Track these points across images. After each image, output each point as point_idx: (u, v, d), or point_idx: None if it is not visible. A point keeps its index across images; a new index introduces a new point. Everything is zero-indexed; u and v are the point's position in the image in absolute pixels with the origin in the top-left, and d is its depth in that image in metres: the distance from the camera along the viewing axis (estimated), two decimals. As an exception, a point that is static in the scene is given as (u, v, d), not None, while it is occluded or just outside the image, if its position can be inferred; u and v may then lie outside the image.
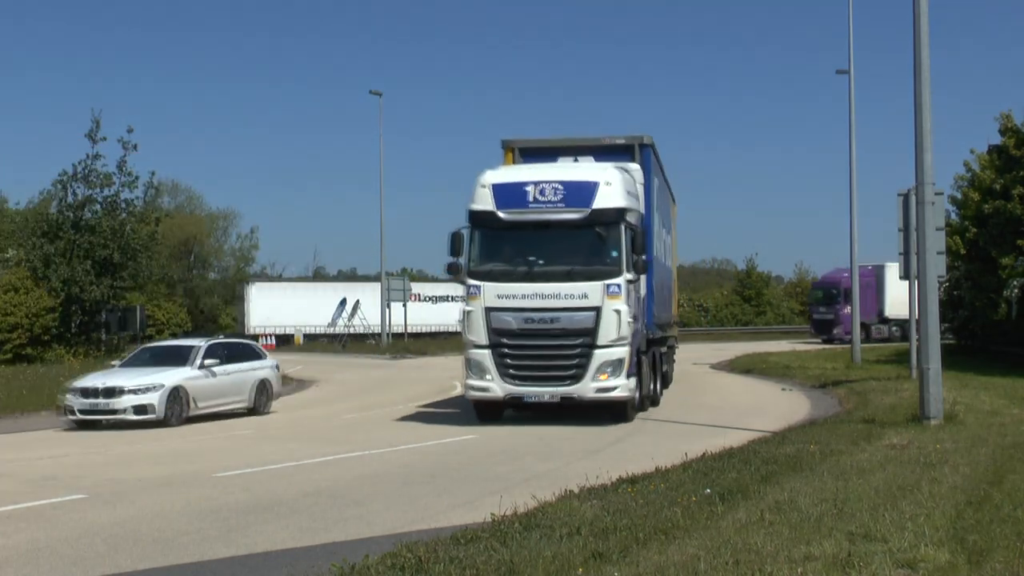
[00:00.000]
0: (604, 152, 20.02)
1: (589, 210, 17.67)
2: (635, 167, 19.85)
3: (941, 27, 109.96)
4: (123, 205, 36.44)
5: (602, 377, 17.65)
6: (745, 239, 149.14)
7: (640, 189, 19.73)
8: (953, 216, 35.38)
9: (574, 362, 17.73)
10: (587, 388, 17.69)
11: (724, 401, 23.58)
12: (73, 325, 36.30)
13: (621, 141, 20.33)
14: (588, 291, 17.58)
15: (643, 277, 19.04)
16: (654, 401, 21.26)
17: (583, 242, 17.88)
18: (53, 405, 21.95)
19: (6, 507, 10.69)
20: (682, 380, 28.76)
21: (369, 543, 8.52)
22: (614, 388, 17.71)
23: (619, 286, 17.60)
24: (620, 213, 17.79)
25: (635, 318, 18.20)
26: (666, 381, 25.32)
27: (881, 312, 55.06)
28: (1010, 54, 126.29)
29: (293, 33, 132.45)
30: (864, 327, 54.90)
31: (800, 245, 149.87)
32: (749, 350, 48.47)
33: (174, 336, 59.01)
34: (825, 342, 54.61)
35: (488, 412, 18.94)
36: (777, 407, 21.91)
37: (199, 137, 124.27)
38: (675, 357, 29.68)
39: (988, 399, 20.15)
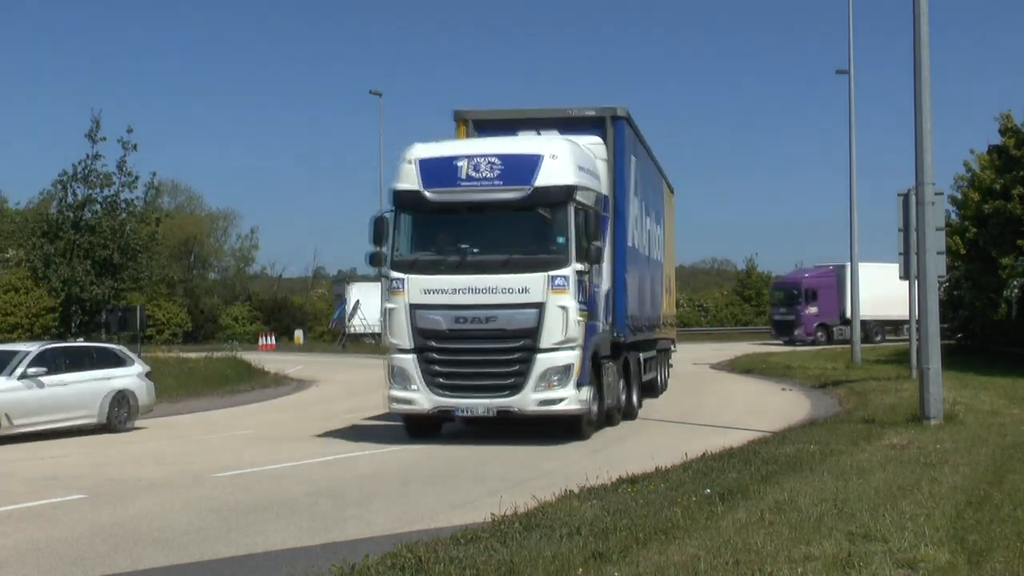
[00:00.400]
0: (571, 125, 17.41)
1: (530, 188, 15.11)
2: (595, 140, 17.31)
3: (941, 27, 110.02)
4: (123, 205, 36.34)
5: (546, 387, 15.09)
6: (745, 239, 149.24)
7: (602, 166, 17.17)
8: (953, 216, 35.40)
9: (513, 369, 15.16)
10: (528, 400, 15.09)
11: (724, 401, 23.59)
12: (73, 325, 36.27)
13: (591, 113, 17.77)
14: (529, 284, 15.02)
15: (606, 269, 16.86)
16: (629, 414, 18.76)
17: (524, 226, 15.45)
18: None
19: (6, 507, 10.68)
20: (682, 380, 28.73)
21: (369, 543, 8.52)
22: (560, 400, 15.12)
23: (566, 278, 15.02)
24: (568, 192, 15.16)
25: (590, 316, 15.79)
26: (655, 390, 23.35)
27: (843, 313, 53.60)
28: (1010, 54, 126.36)
29: (293, 33, 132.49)
30: (825, 328, 54.16)
31: (800, 245, 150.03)
32: (749, 350, 48.49)
33: (174, 337, 59.12)
34: (785, 343, 53.64)
35: (419, 427, 16.40)
36: (777, 407, 21.92)
37: (199, 137, 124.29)
38: (671, 362, 27.46)
39: (988, 399, 20.16)
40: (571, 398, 15.18)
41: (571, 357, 15.18)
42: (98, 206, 36.12)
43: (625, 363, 18.48)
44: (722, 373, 34.89)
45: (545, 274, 15.04)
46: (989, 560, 7.21)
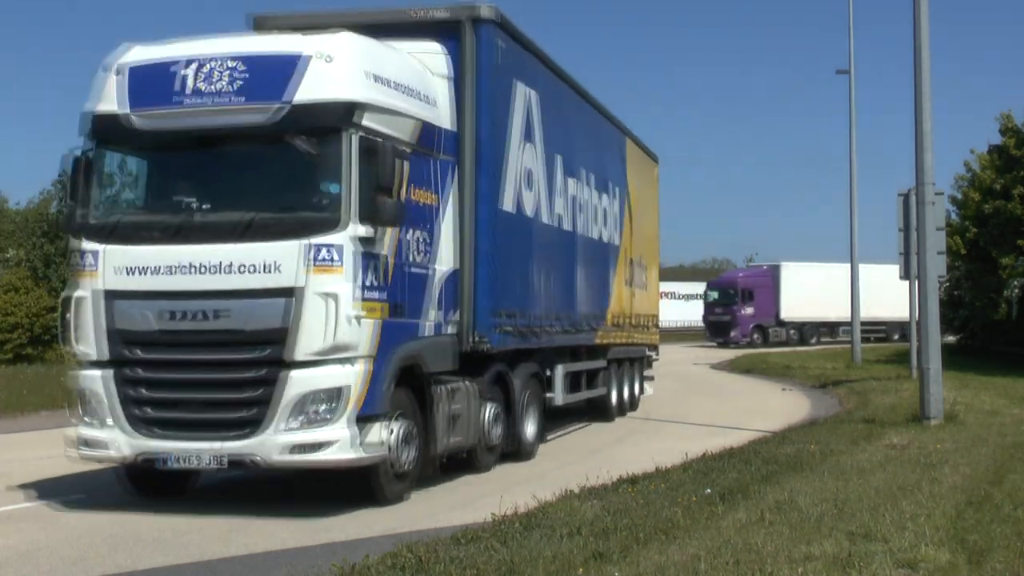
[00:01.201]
0: (412, 33, 12.14)
1: (284, 105, 9.90)
2: (431, 48, 12.05)
3: (941, 27, 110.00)
4: (123, 205, 36.45)
5: (303, 423, 9.75)
6: (745, 239, 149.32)
7: (441, 87, 11.89)
8: (953, 216, 35.47)
9: (252, 394, 9.85)
10: (274, 444, 9.73)
11: (724, 401, 23.59)
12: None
13: (442, 15, 12.31)
14: (279, 259, 9.77)
15: (446, 240, 11.64)
16: (517, 453, 13.59)
17: (276, 168, 10.37)
18: (53, 405, 21.92)
19: (6, 507, 10.70)
20: (682, 380, 28.76)
21: (369, 543, 8.52)
22: (324, 444, 9.74)
23: (336, 249, 9.75)
24: (346, 111, 9.97)
25: (396, 310, 10.52)
26: (607, 412, 18.60)
27: (778, 314, 53.49)
28: (1010, 54, 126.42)
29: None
30: (761, 329, 53.41)
31: (800, 245, 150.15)
32: (748, 349, 48.54)
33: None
34: (720, 345, 52.78)
35: (147, 479, 10.88)
36: (777, 407, 21.93)
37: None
38: (651, 373, 21.97)
39: (988, 399, 20.18)
40: (343, 441, 9.77)
41: (345, 375, 9.84)
42: (98, 206, 36.17)
43: (500, 381, 13.13)
44: (722, 373, 34.94)
45: (300, 242, 9.77)
46: (989, 560, 7.22)
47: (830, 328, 54.26)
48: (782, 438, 14.47)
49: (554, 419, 16.27)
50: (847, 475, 10.62)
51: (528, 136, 13.74)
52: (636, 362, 20.66)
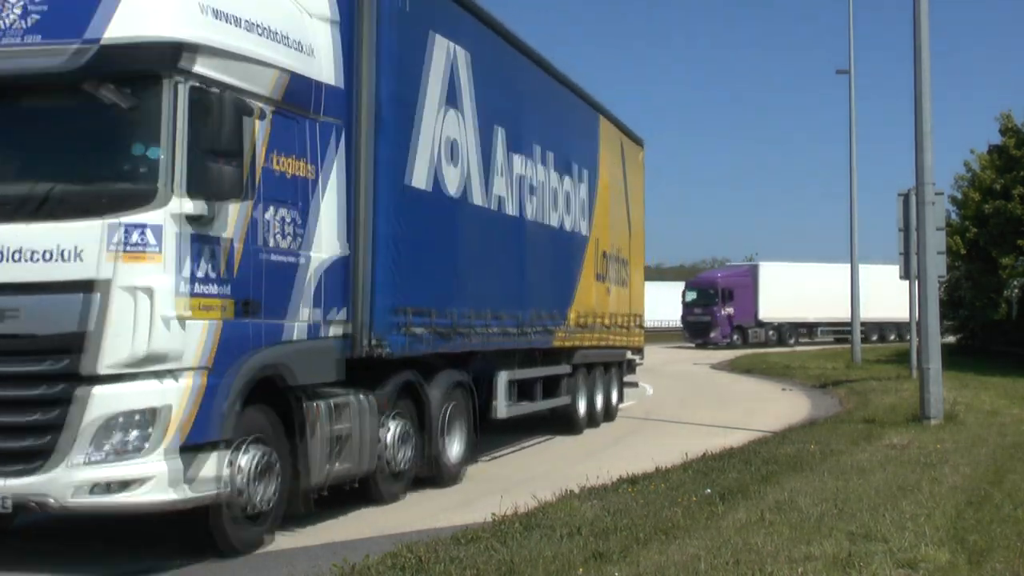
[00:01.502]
0: None
1: (89, 46, 7.73)
2: None
3: (941, 27, 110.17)
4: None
5: (108, 453, 7.53)
6: (744, 239, 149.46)
7: (324, 32, 9.58)
8: (953, 216, 35.54)
9: (39, 417, 7.60)
10: (68, 481, 7.51)
11: (724, 401, 23.60)
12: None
13: None
14: (78, 242, 7.61)
15: (328, 220, 9.39)
16: (435, 479, 11.43)
17: (79, 126, 8.13)
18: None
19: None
20: (682, 380, 28.77)
21: (369, 543, 8.51)
22: (135, 481, 7.56)
23: (152, 230, 7.63)
24: (171, 53, 7.83)
25: (247, 308, 8.33)
26: (574, 424, 16.39)
27: (756, 314, 52.98)
28: (1010, 54, 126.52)
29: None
30: (741, 330, 52.87)
31: (800, 244, 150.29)
32: (747, 350, 48.56)
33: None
34: (699, 347, 52.12)
35: None
36: (777, 407, 21.94)
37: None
38: (634, 379, 19.72)
39: (988, 399, 20.19)
40: (159, 478, 7.61)
41: (161, 393, 7.66)
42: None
43: (410, 392, 10.90)
44: (722, 373, 34.96)
45: (106, 221, 7.61)
46: (989, 560, 7.22)
47: (809, 329, 54.14)
48: (782, 438, 14.48)
49: (508, 432, 15.07)
50: (847, 475, 10.62)
51: (452, 101, 11.50)
52: (613, 367, 18.32)
